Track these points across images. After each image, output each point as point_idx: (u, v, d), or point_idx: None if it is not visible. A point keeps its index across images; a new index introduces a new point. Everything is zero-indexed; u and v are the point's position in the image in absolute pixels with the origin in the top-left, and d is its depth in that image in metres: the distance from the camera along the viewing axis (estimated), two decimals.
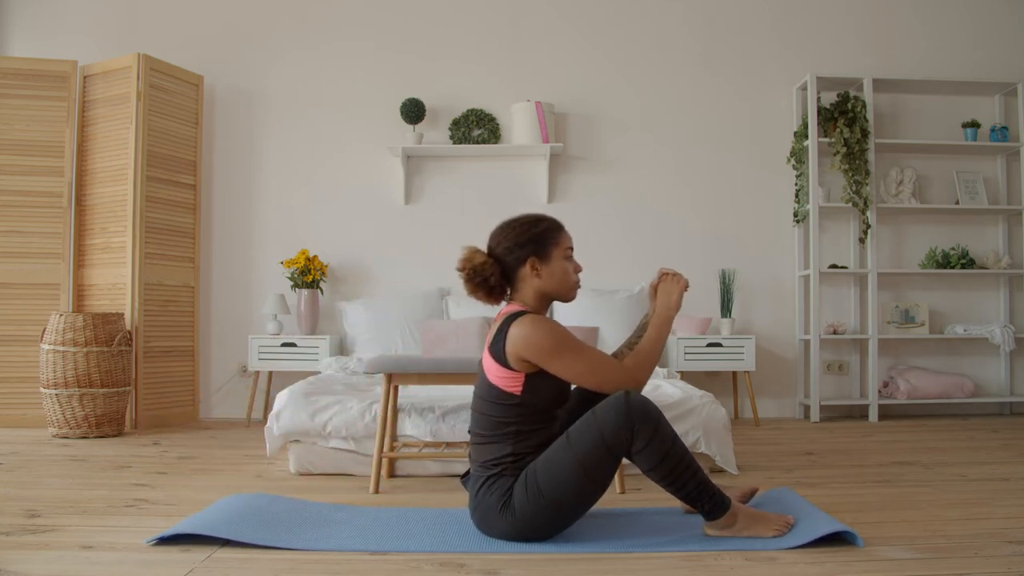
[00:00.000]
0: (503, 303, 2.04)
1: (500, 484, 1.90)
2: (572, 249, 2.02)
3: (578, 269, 2.02)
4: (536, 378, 1.91)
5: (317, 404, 2.91)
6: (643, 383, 1.97)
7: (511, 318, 1.92)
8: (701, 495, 1.87)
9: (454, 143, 4.64)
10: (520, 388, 1.91)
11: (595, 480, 1.86)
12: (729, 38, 4.80)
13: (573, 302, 4.37)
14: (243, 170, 4.76)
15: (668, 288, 2.08)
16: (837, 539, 1.92)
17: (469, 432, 2.02)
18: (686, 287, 2.10)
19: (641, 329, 2.20)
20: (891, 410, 4.70)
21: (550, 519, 1.88)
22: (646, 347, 1.99)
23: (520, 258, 1.96)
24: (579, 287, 2.03)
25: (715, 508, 1.89)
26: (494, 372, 1.94)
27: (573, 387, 2.19)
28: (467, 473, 2.05)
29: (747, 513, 1.94)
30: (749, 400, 4.51)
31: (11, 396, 4.15)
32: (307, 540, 1.94)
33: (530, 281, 1.97)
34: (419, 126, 4.63)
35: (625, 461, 1.95)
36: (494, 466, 1.92)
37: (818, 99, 4.55)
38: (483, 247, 2.05)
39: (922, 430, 4.06)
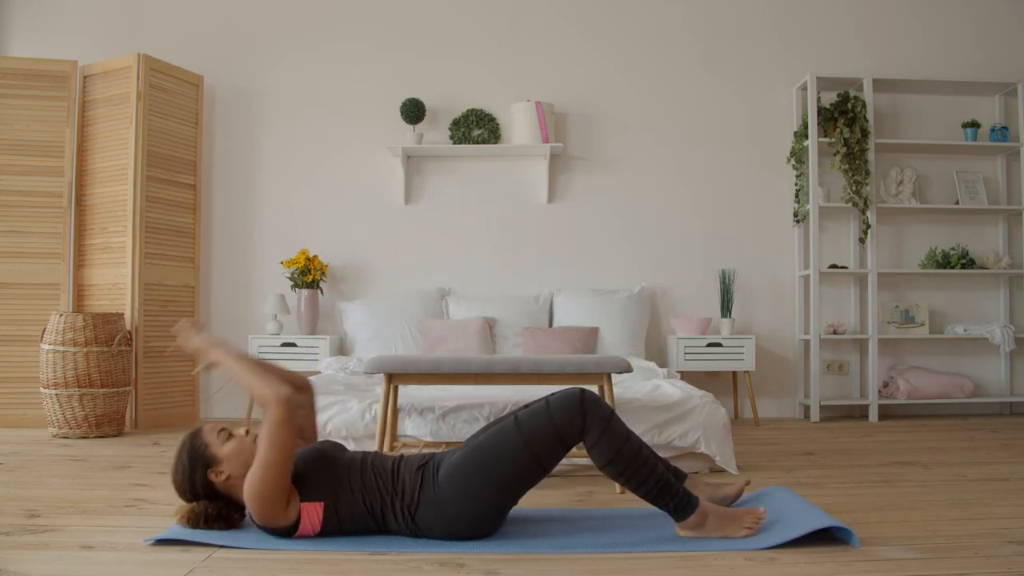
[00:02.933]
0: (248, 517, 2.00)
1: (422, 510, 1.90)
2: (225, 430, 1.98)
3: (243, 435, 1.98)
4: (304, 489, 1.90)
5: (317, 404, 2.90)
6: (285, 402, 1.86)
7: (251, 518, 1.91)
8: (663, 494, 1.89)
9: (454, 143, 4.64)
10: (318, 504, 1.90)
11: (541, 462, 1.90)
12: (729, 38, 4.80)
13: (573, 302, 4.41)
14: (243, 170, 4.76)
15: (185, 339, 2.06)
16: (837, 539, 1.92)
17: None
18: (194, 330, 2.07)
19: None
20: (891, 410, 4.70)
21: (497, 498, 1.90)
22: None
23: (203, 481, 1.93)
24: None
25: (680, 508, 1.91)
26: (309, 531, 1.91)
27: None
28: None
29: (717, 512, 1.95)
30: (749, 400, 4.50)
31: (11, 396, 4.15)
32: (307, 540, 1.94)
33: (228, 483, 1.94)
34: (419, 126, 4.63)
35: None
36: (402, 517, 1.92)
37: (818, 99, 4.54)
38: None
39: (922, 430, 4.06)
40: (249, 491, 1.85)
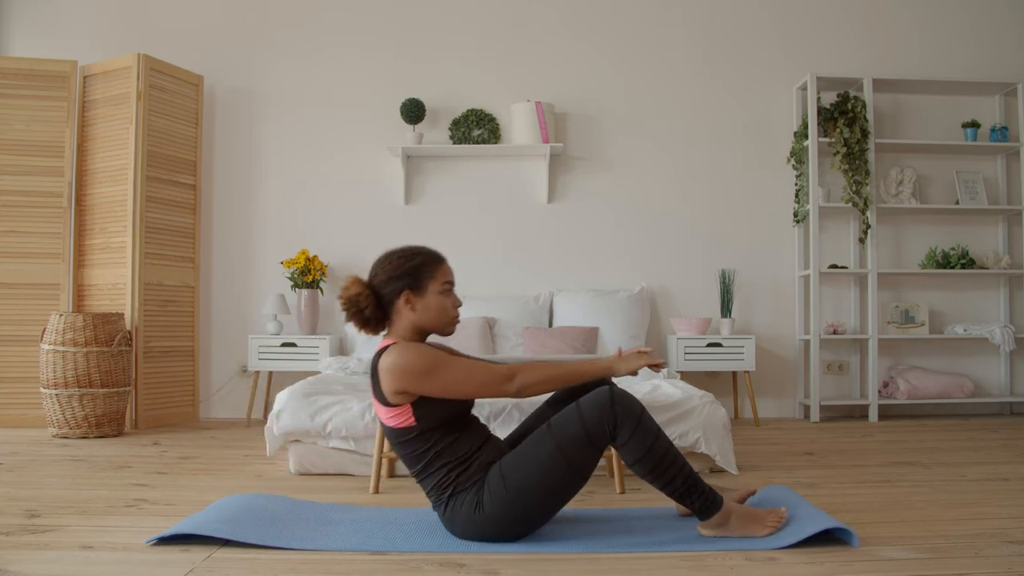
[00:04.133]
0: (382, 335, 2.03)
1: (463, 497, 1.90)
2: (451, 283, 2.00)
3: (457, 304, 2.00)
4: (422, 404, 1.90)
5: (317, 404, 2.91)
6: (514, 395, 1.91)
7: (378, 356, 1.92)
8: (690, 491, 1.88)
9: (454, 143, 4.64)
10: (412, 419, 1.91)
11: (575, 468, 1.87)
12: (729, 38, 4.80)
13: (573, 302, 4.41)
14: (243, 170, 4.76)
15: (636, 357, 2.04)
16: (837, 539, 1.92)
17: None
18: (653, 364, 2.03)
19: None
20: (891, 410, 4.70)
21: (532, 509, 1.88)
22: (547, 365, 1.95)
23: (395, 291, 1.94)
24: (457, 322, 2.01)
25: (706, 506, 1.90)
26: (384, 414, 1.94)
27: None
28: None
29: (740, 512, 1.95)
30: (749, 400, 4.50)
31: (11, 396, 4.15)
32: (307, 540, 1.94)
33: (405, 314, 1.95)
34: (419, 126, 4.63)
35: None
36: (445, 488, 1.92)
37: (818, 99, 4.54)
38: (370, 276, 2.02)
39: (922, 430, 4.06)
40: (410, 353, 1.85)
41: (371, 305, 1.94)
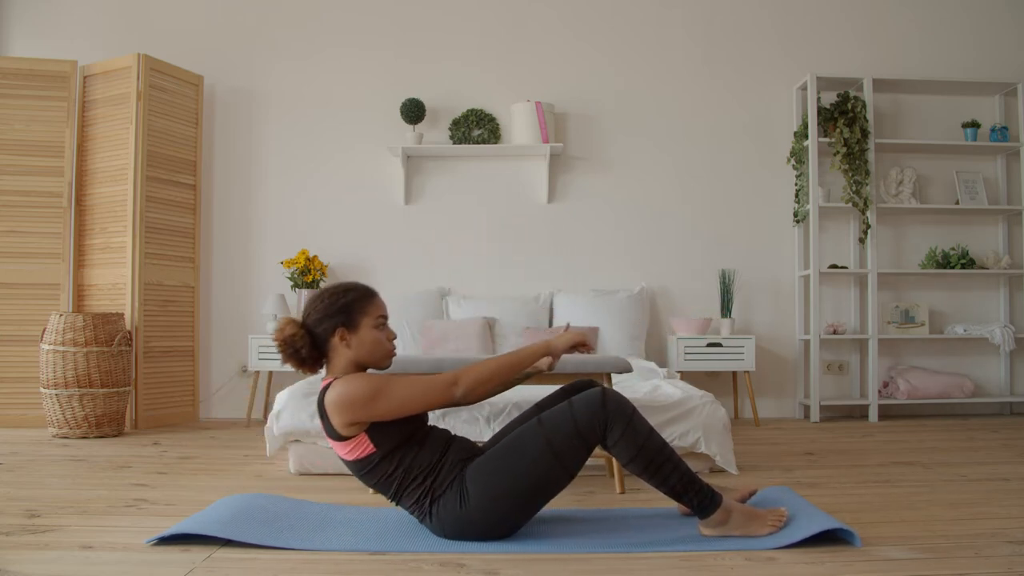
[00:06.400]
0: (321, 373, 2.04)
1: (444, 499, 1.91)
2: (385, 317, 2.00)
3: (391, 337, 2.01)
4: (377, 429, 1.90)
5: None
6: (461, 399, 1.92)
7: (322, 394, 1.93)
8: (687, 489, 1.89)
9: (454, 143, 4.64)
10: (371, 447, 1.91)
11: (564, 463, 1.88)
12: (729, 38, 4.80)
13: (573, 302, 4.41)
14: (243, 170, 4.76)
15: (568, 335, 2.07)
16: (837, 539, 1.92)
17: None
18: (579, 343, 2.07)
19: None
20: (891, 410, 4.70)
21: (518, 502, 1.89)
22: (486, 361, 1.96)
23: (329, 329, 1.94)
24: (393, 355, 2.01)
25: (704, 503, 1.90)
26: (342, 450, 1.94)
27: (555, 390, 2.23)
28: None
29: (741, 511, 1.95)
30: (749, 400, 4.50)
31: (11, 396, 4.15)
32: (307, 540, 1.94)
33: (341, 351, 1.95)
34: (419, 126, 4.63)
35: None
36: (424, 498, 1.93)
37: (818, 99, 4.54)
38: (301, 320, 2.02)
39: (922, 430, 4.06)
40: (352, 383, 1.85)
41: (306, 345, 1.94)
